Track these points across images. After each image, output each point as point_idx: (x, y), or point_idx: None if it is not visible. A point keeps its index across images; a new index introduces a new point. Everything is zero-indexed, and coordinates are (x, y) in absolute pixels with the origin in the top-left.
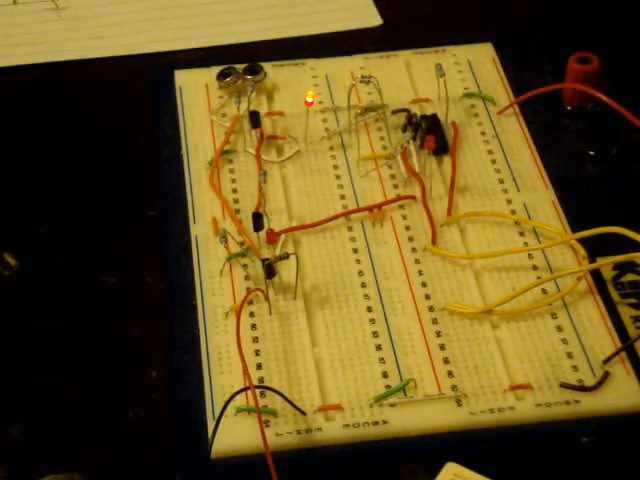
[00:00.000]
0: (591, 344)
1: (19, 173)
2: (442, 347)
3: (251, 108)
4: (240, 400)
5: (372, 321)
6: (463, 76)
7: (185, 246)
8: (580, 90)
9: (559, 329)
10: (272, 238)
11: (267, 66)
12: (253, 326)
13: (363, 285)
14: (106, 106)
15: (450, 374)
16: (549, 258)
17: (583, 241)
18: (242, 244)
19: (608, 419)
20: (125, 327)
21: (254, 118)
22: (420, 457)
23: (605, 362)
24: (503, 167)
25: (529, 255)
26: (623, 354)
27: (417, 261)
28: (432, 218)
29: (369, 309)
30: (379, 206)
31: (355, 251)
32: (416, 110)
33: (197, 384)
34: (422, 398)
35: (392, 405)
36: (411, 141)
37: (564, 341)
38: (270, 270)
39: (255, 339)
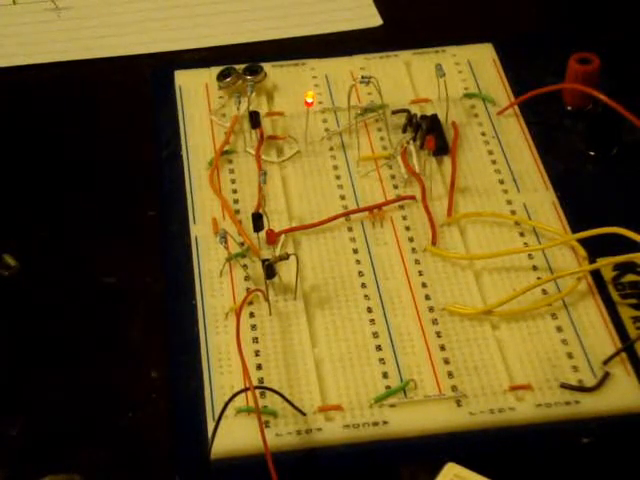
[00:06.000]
0: (591, 344)
1: (19, 173)
2: (442, 348)
3: (251, 108)
4: (240, 400)
5: (372, 322)
6: (463, 76)
7: (185, 246)
8: (580, 90)
9: (559, 329)
10: (272, 238)
11: (267, 66)
12: (253, 326)
13: (363, 285)
14: (106, 106)
15: (450, 375)
16: (549, 258)
17: (583, 241)
18: (242, 244)
19: (608, 419)
20: (125, 327)
21: (254, 118)
22: (420, 457)
23: (605, 362)
24: (503, 167)
25: (529, 255)
26: (623, 354)
27: (417, 261)
28: (432, 218)
29: (369, 309)
30: (379, 206)
31: (355, 251)
32: (416, 110)
33: (197, 384)
34: (422, 399)
35: (392, 406)
36: (411, 141)
37: (564, 341)
38: (270, 270)
39: (255, 339)
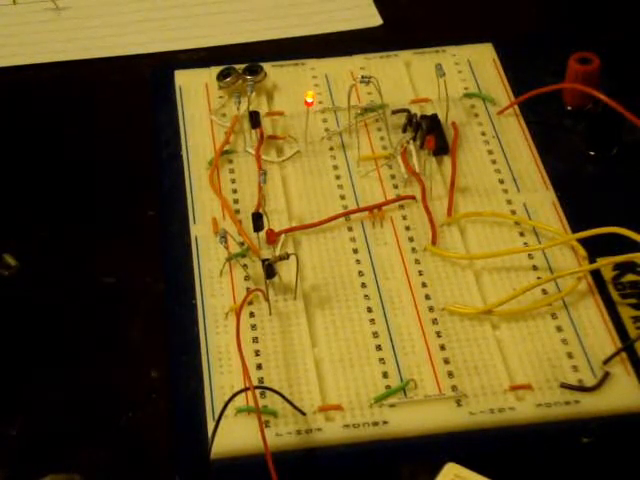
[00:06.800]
0: (591, 344)
1: (19, 173)
2: (442, 347)
3: (251, 108)
4: (240, 400)
5: (372, 321)
6: (463, 76)
7: (185, 246)
8: (580, 90)
9: (559, 329)
10: (272, 238)
11: (267, 66)
12: (253, 326)
13: (363, 285)
14: (106, 106)
15: (450, 374)
16: (549, 258)
17: (583, 241)
18: (242, 244)
19: (608, 419)
20: (125, 327)
21: (254, 118)
22: (420, 457)
23: (605, 362)
24: (503, 167)
25: (529, 255)
26: (623, 354)
27: (417, 261)
28: (432, 218)
29: (369, 309)
30: (379, 206)
31: (355, 251)
32: (416, 110)
33: (197, 384)
34: (422, 398)
35: (392, 405)
36: (411, 141)
37: (564, 341)
38: (270, 270)
39: (255, 339)
